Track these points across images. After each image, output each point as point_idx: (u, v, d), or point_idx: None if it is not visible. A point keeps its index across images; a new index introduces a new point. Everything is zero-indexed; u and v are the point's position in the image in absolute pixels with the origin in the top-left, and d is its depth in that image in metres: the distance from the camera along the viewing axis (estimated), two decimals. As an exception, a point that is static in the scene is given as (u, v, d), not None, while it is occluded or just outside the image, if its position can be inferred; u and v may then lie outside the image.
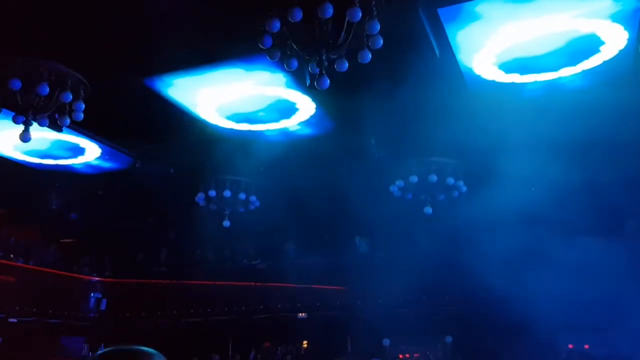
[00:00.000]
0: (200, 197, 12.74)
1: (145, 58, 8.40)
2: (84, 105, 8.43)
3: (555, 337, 13.22)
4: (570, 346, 13.74)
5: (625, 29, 7.91)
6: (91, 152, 12.18)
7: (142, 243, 17.45)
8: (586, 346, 13.53)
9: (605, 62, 8.71)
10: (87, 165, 12.88)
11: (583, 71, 8.94)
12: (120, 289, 16.99)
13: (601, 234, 11.45)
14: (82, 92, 8.46)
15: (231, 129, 11.00)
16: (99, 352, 1.50)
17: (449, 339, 14.02)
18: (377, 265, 14.91)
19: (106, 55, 8.32)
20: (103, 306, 16.81)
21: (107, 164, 12.82)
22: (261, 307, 15.42)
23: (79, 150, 12.13)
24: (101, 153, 12.22)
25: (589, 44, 8.31)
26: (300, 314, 15.17)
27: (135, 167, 12.51)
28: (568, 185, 10.69)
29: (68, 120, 8.38)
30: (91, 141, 11.60)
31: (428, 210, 11.87)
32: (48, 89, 7.95)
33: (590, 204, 11.36)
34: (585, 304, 11.19)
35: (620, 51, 8.42)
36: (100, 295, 16.92)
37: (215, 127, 10.85)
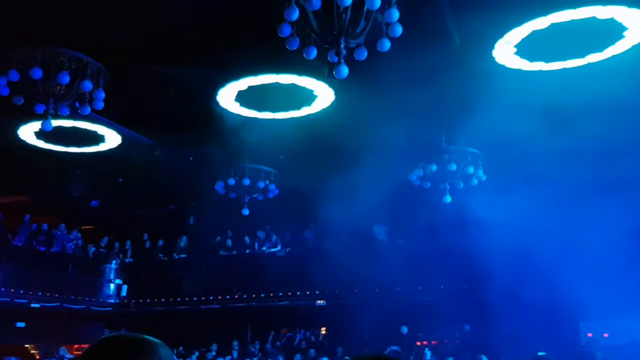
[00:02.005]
0: (219, 185, 12.80)
1: (160, 47, 8.41)
2: (104, 94, 8.50)
3: (575, 325, 13.13)
4: (590, 335, 13.64)
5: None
6: (112, 139, 12.28)
7: (162, 230, 17.61)
8: (605, 335, 13.42)
9: (634, 47, 8.49)
10: (108, 152, 12.98)
11: (611, 57, 8.71)
12: (140, 275, 17.19)
13: (626, 223, 11.25)
14: (102, 80, 8.52)
15: (251, 117, 11.01)
16: (103, 336, 1.46)
17: (467, 327, 13.99)
18: (395, 253, 14.87)
19: (125, 44, 8.36)
20: (123, 292, 17.04)
21: (127, 152, 12.91)
22: (280, 294, 15.51)
23: (99, 138, 12.24)
24: (121, 141, 12.32)
25: (612, 30, 8.11)
26: (319, 301, 15.23)
27: (155, 155, 12.60)
28: (596, 175, 10.53)
29: (89, 109, 8.47)
30: (112, 129, 11.69)
31: (447, 199, 11.78)
32: (69, 78, 8.03)
33: (617, 193, 11.17)
34: (606, 293, 11.06)
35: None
36: (121, 282, 17.14)
37: (236, 115, 10.86)
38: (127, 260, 17.65)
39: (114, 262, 17.28)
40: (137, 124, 11.60)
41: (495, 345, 12.64)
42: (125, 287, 17.06)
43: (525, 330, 11.86)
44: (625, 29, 8.08)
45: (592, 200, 11.16)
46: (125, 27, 8.12)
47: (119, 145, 12.46)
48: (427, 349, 13.53)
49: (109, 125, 11.43)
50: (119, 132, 11.83)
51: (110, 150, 12.64)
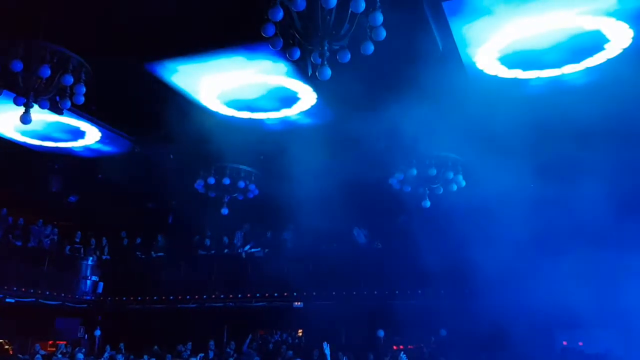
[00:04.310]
0: (199, 183, 12.75)
1: (147, 43, 8.36)
2: (85, 89, 8.42)
3: (550, 333, 13.29)
4: (565, 343, 13.81)
5: (630, 27, 7.88)
6: (91, 135, 12.17)
7: (141, 227, 17.47)
8: (580, 343, 13.59)
9: (609, 60, 8.68)
10: (87, 148, 12.88)
11: (587, 69, 8.90)
12: (117, 273, 17.01)
13: (599, 234, 11.44)
14: (83, 75, 8.44)
15: (232, 117, 11.00)
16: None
17: (443, 332, 14.08)
18: (374, 257, 14.94)
19: (108, 38, 8.29)
20: (100, 289, 16.86)
21: (107, 148, 12.81)
22: (257, 295, 15.45)
23: (79, 134, 12.12)
24: (101, 137, 12.21)
25: (593, 42, 8.27)
26: (296, 303, 15.21)
27: (134, 151, 12.51)
28: (566, 185, 10.71)
29: (69, 103, 8.38)
30: (91, 125, 11.58)
31: (426, 203, 11.88)
32: (49, 72, 7.94)
33: (591, 202, 11.35)
34: (581, 303, 11.23)
35: (625, 50, 8.39)
36: (97, 278, 16.96)
37: (216, 114, 10.84)
38: (104, 257, 17.47)
39: (91, 258, 17.11)
40: (117, 120, 11.51)
41: (472, 351, 12.74)
42: (101, 284, 16.89)
43: (501, 336, 11.99)
44: (607, 41, 8.26)
45: (567, 208, 11.32)
46: (108, 22, 8.06)
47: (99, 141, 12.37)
48: (402, 353, 13.58)
49: (89, 120, 11.33)
50: (99, 127, 11.73)
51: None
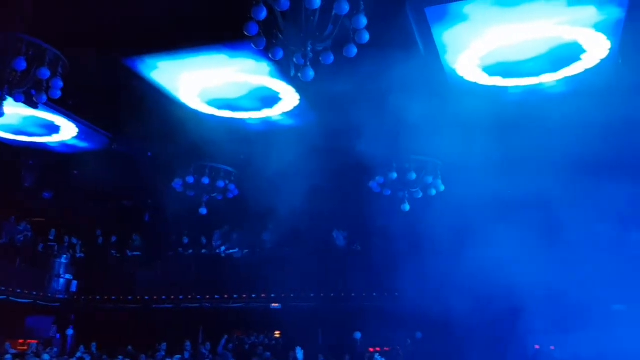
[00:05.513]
0: (177, 182, 12.62)
1: (126, 38, 8.25)
2: (62, 83, 8.26)
3: (523, 337, 13.44)
4: (537, 347, 13.98)
5: (608, 38, 8.01)
6: (67, 130, 11.96)
7: (117, 226, 17.22)
8: (552, 347, 13.77)
9: (587, 71, 8.82)
10: (63, 144, 12.66)
11: (565, 78, 9.04)
12: (92, 271, 16.75)
13: (577, 238, 11.61)
14: (60, 69, 8.27)
15: (212, 115, 10.90)
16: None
17: (419, 334, 14.15)
18: (352, 259, 14.96)
19: (86, 33, 8.15)
20: (73, 287, 16.58)
21: (83, 144, 12.61)
22: (235, 296, 15.35)
23: (54, 129, 11.91)
24: (78, 132, 12.01)
25: (571, 52, 8.40)
26: (274, 304, 15.15)
27: (111, 148, 12.33)
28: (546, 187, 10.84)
29: (45, 97, 8.20)
30: (68, 120, 11.38)
31: (405, 207, 11.92)
32: (25, 64, 7.76)
33: (566, 205, 11.51)
34: (554, 307, 11.39)
35: (602, 61, 8.53)
36: (71, 277, 16.67)
37: (197, 112, 10.73)
38: (78, 255, 17.18)
39: (65, 256, 16.80)
40: (94, 116, 11.33)
41: (446, 353, 12.83)
42: (75, 283, 16.61)
43: (475, 340, 12.10)
44: (584, 51, 8.39)
45: (541, 212, 11.48)
46: (87, 15, 7.93)
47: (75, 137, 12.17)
48: (378, 354, 13.63)
49: (65, 115, 11.13)
50: (75, 123, 11.53)
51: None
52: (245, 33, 6.18)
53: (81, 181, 14.55)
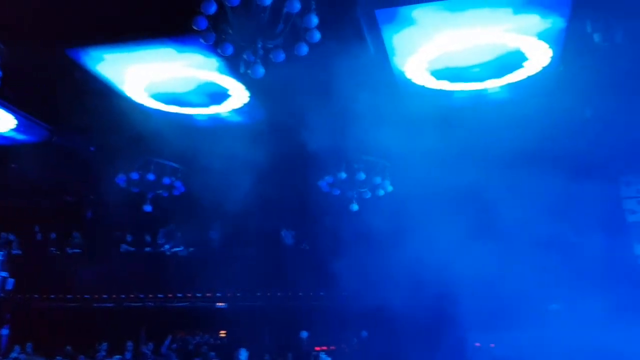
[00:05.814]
0: (121, 178, 12.29)
1: (69, 27, 7.95)
2: (0, 72, 7.91)
3: (464, 335, 13.80)
4: (477, 344, 14.37)
5: (550, 47, 8.32)
6: (5, 122, 11.43)
7: (56, 221, 16.63)
8: (492, 345, 14.18)
9: (529, 77, 9.14)
10: (0, 136, 12.09)
11: (508, 84, 9.33)
12: (29, 269, 16.11)
13: (516, 238, 11.98)
14: (-2, 57, 7.92)
15: (159, 110, 10.67)
16: None
17: (364, 333, 14.31)
18: (300, 258, 14.96)
19: (27, 21, 7.82)
20: (9, 286, 15.92)
21: (21, 136, 12.08)
22: (179, 295, 15.10)
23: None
24: (16, 124, 11.49)
25: (515, 59, 8.68)
26: (219, 304, 14.99)
27: (52, 141, 11.88)
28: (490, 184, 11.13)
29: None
30: (6, 111, 10.88)
31: (354, 207, 12.03)
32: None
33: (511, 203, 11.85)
34: (493, 304, 11.72)
35: (544, 68, 8.85)
36: (6, 274, 16.00)
37: (142, 106, 10.47)
38: (14, 252, 16.50)
39: (0, 253, 16.12)
40: (35, 107, 10.88)
41: (391, 352, 13.03)
42: (11, 281, 15.93)
43: (417, 337, 12.33)
44: (526, 59, 8.69)
45: (483, 210, 11.79)
46: (29, 3, 7.59)
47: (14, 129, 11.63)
48: (323, 353, 13.70)
49: (3, 106, 10.64)
50: (14, 114, 11.03)
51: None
52: (194, 27, 6.08)
53: (19, 175, 13.97)
